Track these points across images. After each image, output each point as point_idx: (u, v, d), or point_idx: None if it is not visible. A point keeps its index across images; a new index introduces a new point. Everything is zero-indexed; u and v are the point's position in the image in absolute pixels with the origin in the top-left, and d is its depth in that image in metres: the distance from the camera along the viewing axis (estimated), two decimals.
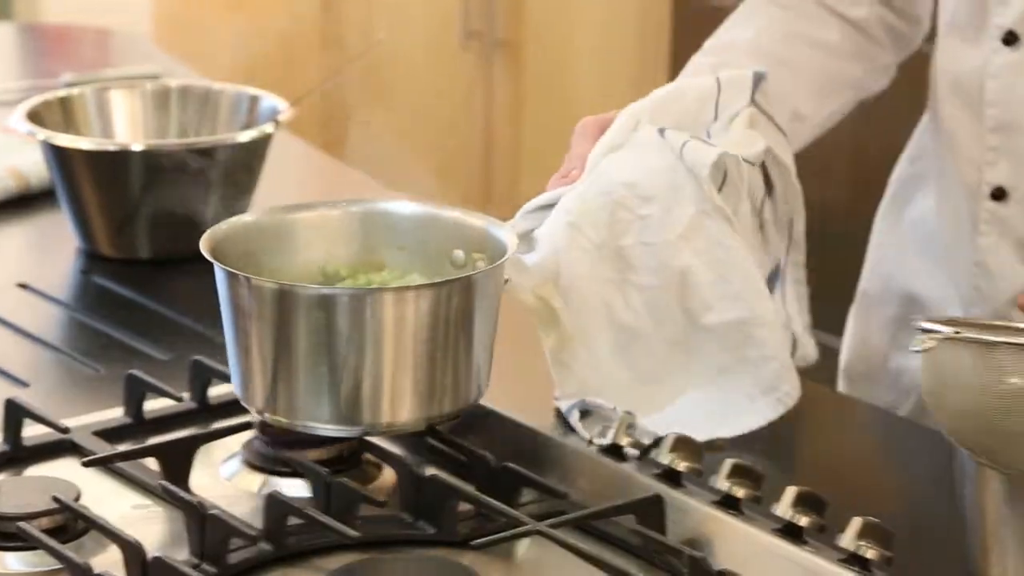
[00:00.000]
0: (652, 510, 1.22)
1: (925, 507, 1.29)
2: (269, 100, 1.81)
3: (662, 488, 1.23)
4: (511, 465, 1.26)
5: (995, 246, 1.45)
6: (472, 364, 1.24)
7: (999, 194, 1.43)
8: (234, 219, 1.31)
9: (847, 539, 1.14)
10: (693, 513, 1.21)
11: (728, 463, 1.22)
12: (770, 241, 1.40)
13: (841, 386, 1.65)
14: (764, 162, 1.38)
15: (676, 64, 3.25)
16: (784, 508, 1.18)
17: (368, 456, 1.30)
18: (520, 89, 3.54)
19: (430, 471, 1.24)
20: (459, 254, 1.30)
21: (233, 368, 1.27)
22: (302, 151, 2.09)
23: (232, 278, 1.23)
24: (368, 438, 1.29)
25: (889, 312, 1.58)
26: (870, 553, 1.14)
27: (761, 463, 1.23)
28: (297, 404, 1.22)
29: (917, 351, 1.10)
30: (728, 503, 1.21)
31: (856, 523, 1.15)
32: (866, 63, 1.55)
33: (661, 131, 1.35)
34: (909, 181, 1.60)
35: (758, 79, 1.39)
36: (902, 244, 1.60)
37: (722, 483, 1.22)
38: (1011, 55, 1.41)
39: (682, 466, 1.25)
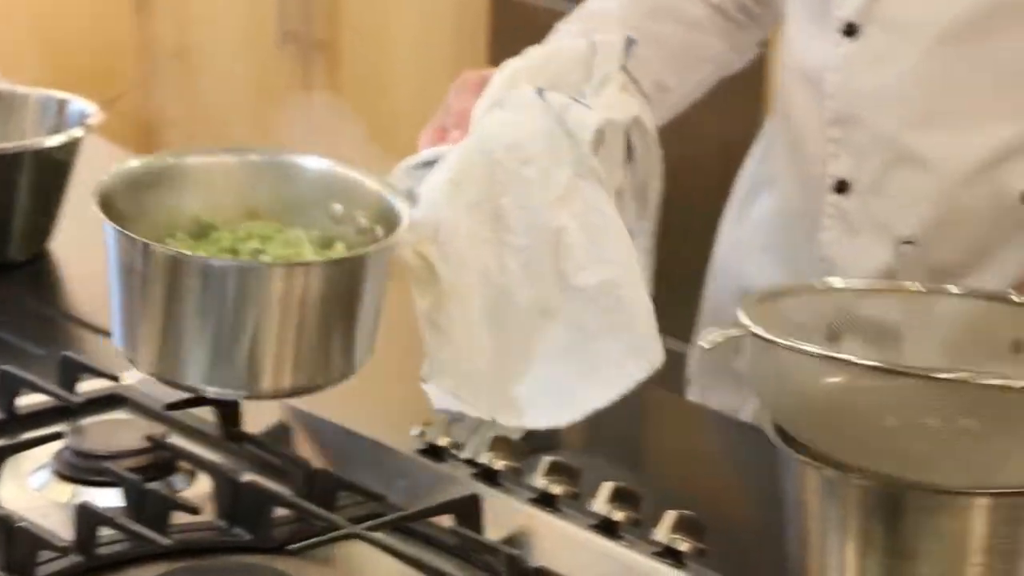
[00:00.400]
0: (469, 509, 1.21)
1: (746, 502, 1.30)
2: (78, 104, 1.78)
3: (480, 487, 1.23)
4: (328, 469, 1.25)
5: (838, 240, 1.46)
6: (356, 335, 1.25)
7: (841, 187, 1.44)
8: (122, 164, 1.30)
9: (661, 532, 1.15)
10: (510, 511, 1.22)
11: (545, 460, 1.23)
12: (626, 208, 1.40)
13: (690, 391, 1.65)
14: (627, 128, 1.39)
15: (494, 62, 3.27)
16: (600, 504, 1.19)
17: (183, 464, 1.28)
18: (338, 89, 3.52)
19: (247, 477, 1.23)
20: (338, 208, 1.30)
21: (117, 325, 1.25)
22: (115, 156, 2.06)
23: (121, 236, 1.22)
24: (181, 445, 1.28)
25: (734, 313, 1.59)
26: (683, 546, 1.15)
27: (579, 460, 1.24)
28: (182, 365, 1.23)
29: (704, 347, 1.11)
30: (545, 500, 1.22)
31: (670, 516, 1.16)
32: (727, 40, 1.57)
33: (540, 91, 1.35)
34: (756, 180, 1.61)
35: (630, 43, 1.40)
36: (747, 244, 1.61)
37: (539, 481, 1.22)
38: (851, 46, 1.42)
39: (500, 465, 1.25)
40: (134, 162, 1.31)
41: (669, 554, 1.15)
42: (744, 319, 1.11)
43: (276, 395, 1.27)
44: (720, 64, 1.57)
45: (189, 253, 1.23)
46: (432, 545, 1.21)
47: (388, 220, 1.28)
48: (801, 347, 1.07)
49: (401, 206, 1.29)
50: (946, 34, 1.38)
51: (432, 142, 1.37)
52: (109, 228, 1.23)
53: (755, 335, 1.09)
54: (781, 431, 1.12)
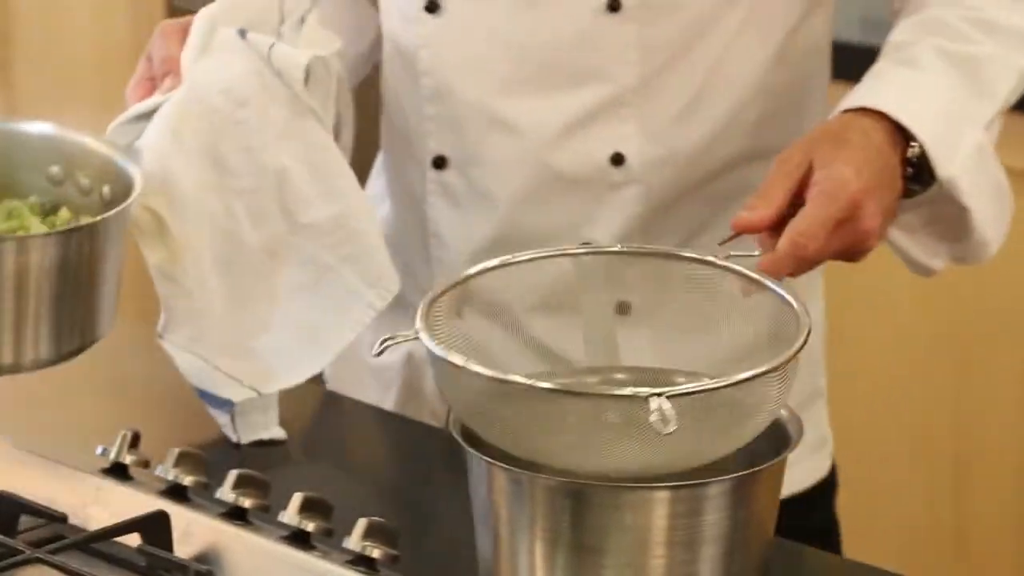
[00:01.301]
0: (157, 527, 1.19)
1: (437, 506, 1.30)
2: None
3: (167, 504, 1.21)
4: (7, 492, 1.22)
5: (443, 215, 1.47)
6: (98, 304, 1.22)
7: (439, 162, 1.46)
8: None
9: (353, 541, 1.15)
10: (200, 527, 1.20)
11: (233, 474, 1.21)
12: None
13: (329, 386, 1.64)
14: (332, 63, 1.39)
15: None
16: (291, 515, 1.18)
17: None
18: (12, 95, 3.44)
19: None
20: (55, 169, 1.27)
21: None
22: None
23: None
24: None
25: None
26: (376, 553, 1.15)
27: (269, 472, 1.23)
28: None
29: (373, 354, 1.13)
30: (236, 514, 1.20)
31: (361, 524, 1.15)
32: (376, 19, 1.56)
33: (242, 33, 1.35)
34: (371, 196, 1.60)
35: None
36: None
37: (228, 495, 1.21)
38: (435, 22, 1.44)
39: (187, 480, 1.23)
40: None
41: (362, 562, 1.15)
42: (419, 328, 1.11)
43: (10, 370, 1.22)
44: (376, 45, 1.58)
45: None
46: (119, 565, 1.19)
47: (114, 179, 1.26)
48: (456, 362, 1.08)
49: (129, 165, 1.26)
50: (519, 3, 1.41)
51: (142, 95, 1.36)
52: None
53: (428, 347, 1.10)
54: (468, 434, 1.13)
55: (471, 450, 1.12)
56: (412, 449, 1.43)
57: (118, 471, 1.25)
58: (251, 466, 1.23)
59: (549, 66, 1.42)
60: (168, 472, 1.23)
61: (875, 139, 1.29)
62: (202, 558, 1.18)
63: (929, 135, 1.30)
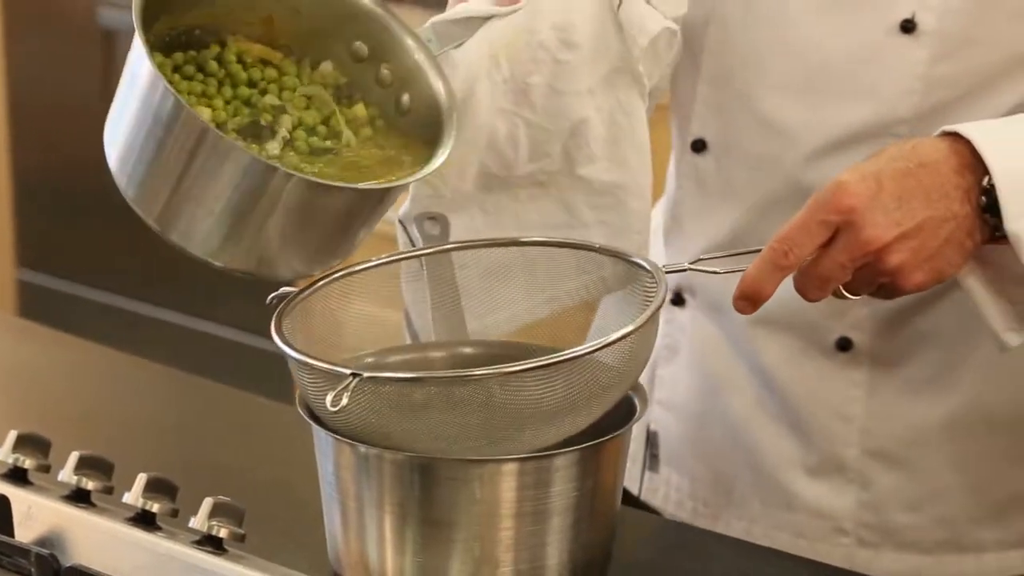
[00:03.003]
0: None
1: (285, 484, 1.30)
2: None
3: (7, 487, 1.19)
4: None
5: (687, 197, 1.42)
6: (355, 236, 1.19)
7: (698, 146, 1.40)
8: None
9: (199, 520, 1.14)
10: (42, 510, 1.19)
11: (74, 456, 1.20)
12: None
13: None
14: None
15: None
16: (135, 496, 1.17)
17: None
18: None
19: None
20: (361, 46, 1.23)
21: (127, 166, 1.17)
22: None
23: (161, 85, 1.13)
24: None
25: None
26: (223, 532, 1.14)
27: (111, 453, 1.21)
28: (194, 234, 1.16)
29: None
30: (79, 496, 1.19)
31: (207, 504, 1.14)
32: None
33: None
34: None
35: None
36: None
37: (70, 477, 1.19)
38: (730, 1, 1.36)
39: (28, 463, 1.21)
40: None
41: (208, 541, 1.14)
42: (274, 334, 1.11)
43: (271, 278, 1.19)
44: None
45: (224, 138, 1.14)
46: None
47: (416, 90, 1.22)
48: (312, 362, 1.08)
49: (438, 84, 1.23)
50: (817, 5, 1.32)
51: None
52: (148, 68, 1.12)
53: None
54: (313, 410, 1.12)
55: (316, 426, 1.12)
56: (258, 426, 1.42)
57: None
58: (94, 447, 1.21)
59: (828, 73, 1.32)
60: (8, 455, 1.21)
61: (925, 155, 1.16)
62: (44, 542, 1.17)
63: (1002, 169, 1.14)
